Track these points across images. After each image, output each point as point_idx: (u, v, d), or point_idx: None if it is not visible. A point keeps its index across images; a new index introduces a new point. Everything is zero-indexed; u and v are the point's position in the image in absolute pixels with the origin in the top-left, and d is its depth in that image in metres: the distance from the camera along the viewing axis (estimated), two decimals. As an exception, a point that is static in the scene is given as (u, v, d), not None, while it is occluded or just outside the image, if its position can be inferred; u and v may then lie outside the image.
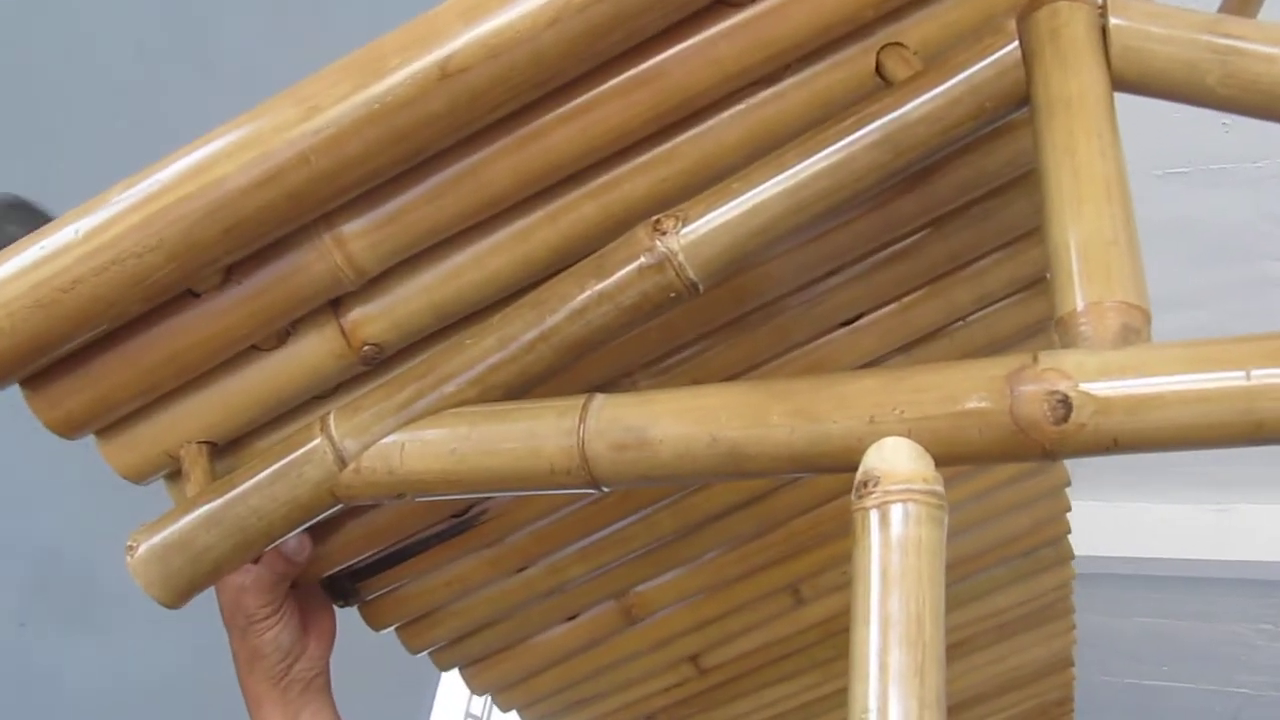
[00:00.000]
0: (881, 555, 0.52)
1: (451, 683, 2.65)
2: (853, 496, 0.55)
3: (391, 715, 2.43)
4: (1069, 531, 1.33)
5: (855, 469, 0.56)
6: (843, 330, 0.85)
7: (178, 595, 0.69)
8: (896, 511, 0.53)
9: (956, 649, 1.53)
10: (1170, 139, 2.40)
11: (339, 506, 0.69)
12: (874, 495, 0.54)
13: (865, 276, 0.84)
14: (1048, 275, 0.58)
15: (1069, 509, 1.28)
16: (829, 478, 1.08)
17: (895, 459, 0.54)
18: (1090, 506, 4.03)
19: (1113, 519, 4.16)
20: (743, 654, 1.28)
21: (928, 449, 0.55)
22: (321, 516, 0.69)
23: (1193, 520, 4.34)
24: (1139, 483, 4.08)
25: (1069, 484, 1.23)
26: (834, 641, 1.39)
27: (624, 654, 1.18)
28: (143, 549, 0.69)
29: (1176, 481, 4.16)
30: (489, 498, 0.91)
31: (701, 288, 0.65)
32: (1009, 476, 1.17)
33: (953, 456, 0.55)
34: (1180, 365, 0.52)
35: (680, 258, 0.64)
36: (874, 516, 0.53)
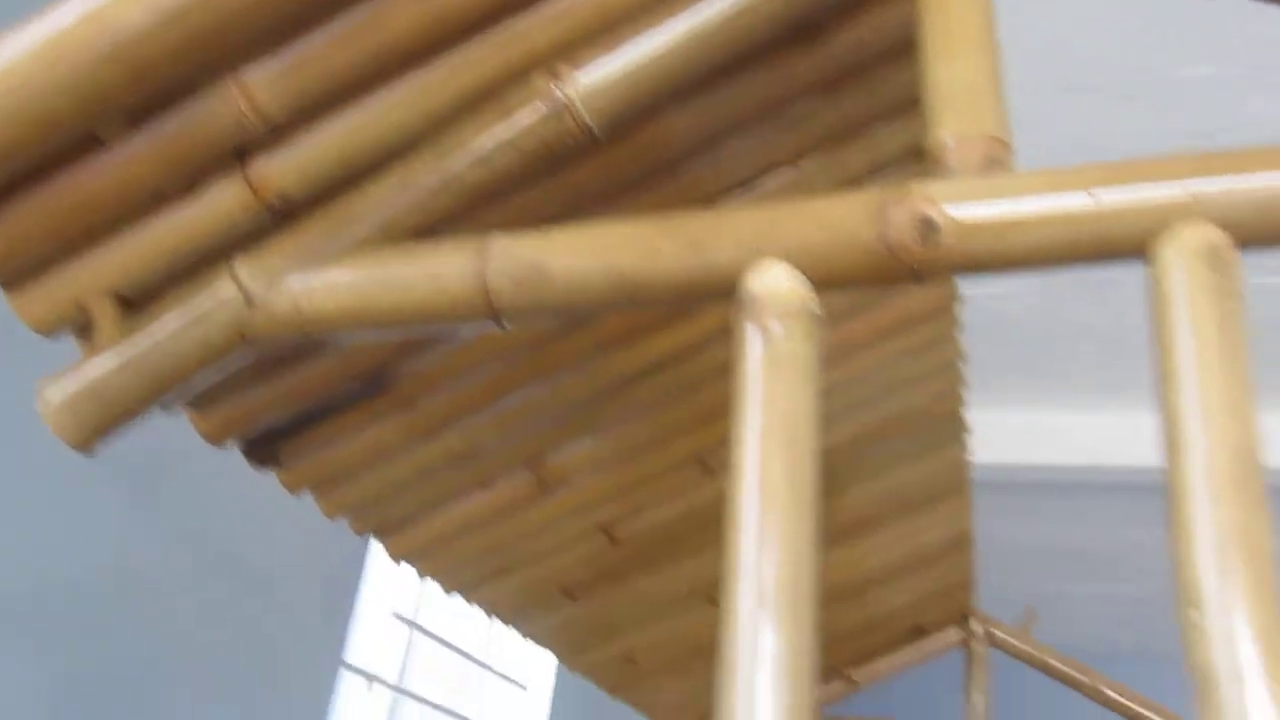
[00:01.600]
0: (759, 370, 0.56)
1: (374, 589, 2.69)
2: (735, 317, 0.58)
3: (315, 623, 2.46)
4: (964, 406, 1.40)
5: (737, 294, 0.60)
6: (740, 190, 0.89)
7: (87, 438, 0.71)
8: (775, 328, 0.57)
9: (861, 527, 1.61)
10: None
11: (247, 350, 0.71)
12: (754, 315, 0.57)
13: (761, 139, 0.87)
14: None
15: (964, 383, 1.34)
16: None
17: (774, 281, 0.58)
18: (992, 416, 4.17)
19: (1012, 428, 4.31)
20: (654, 525, 1.33)
21: (805, 274, 0.59)
22: (231, 361, 0.71)
23: (1089, 428, 4.52)
24: (1039, 390, 4.22)
25: (964, 358, 1.29)
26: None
27: (539, 522, 1.22)
28: (54, 396, 0.71)
29: (1073, 388, 4.31)
30: (403, 361, 0.94)
31: (600, 135, 0.68)
32: (907, 348, 1.22)
33: (829, 280, 0.59)
34: (1033, 189, 0.56)
35: (577, 105, 0.66)
36: (753, 334, 0.57)
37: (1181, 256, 0.53)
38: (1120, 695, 2.06)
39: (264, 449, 0.97)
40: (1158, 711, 2.04)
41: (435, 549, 1.20)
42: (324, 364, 0.90)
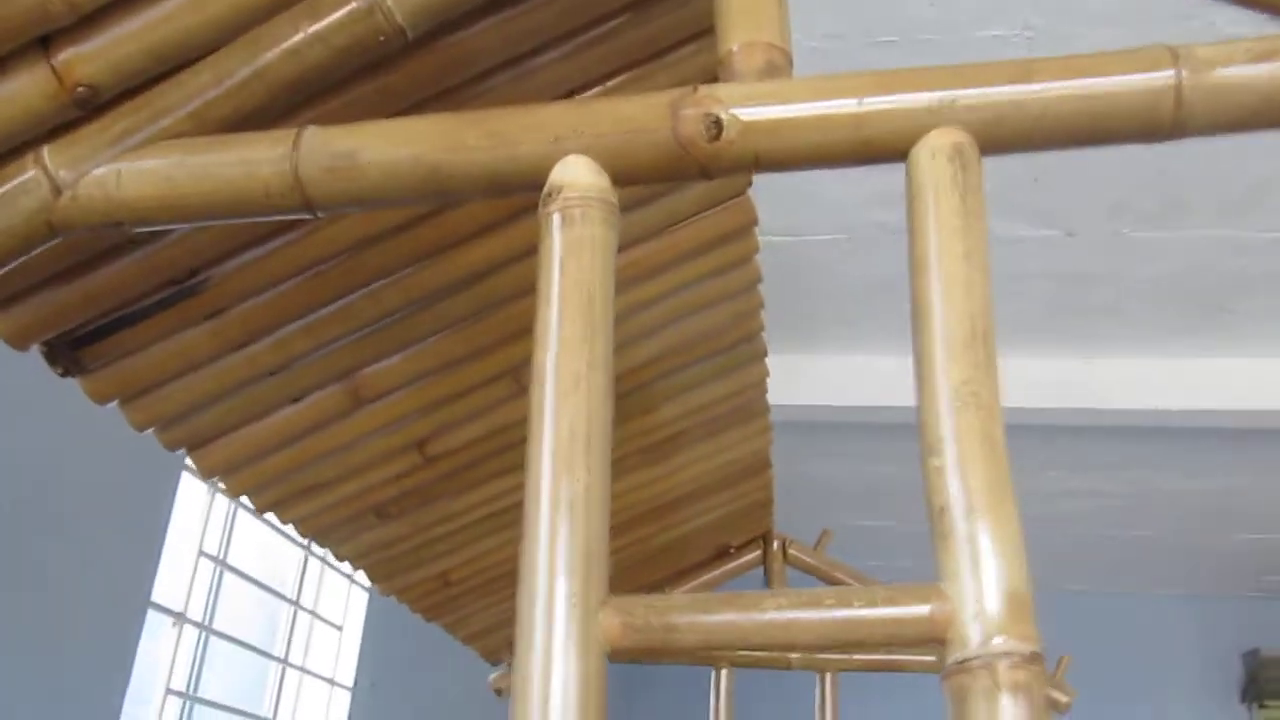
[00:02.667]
0: (561, 250, 0.61)
1: (181, 528, 2.63)
2: (540, 207, 0.63)
3: (119, 563, 2.40)
4: (762, 328, 1.48)
5: (542, 187, 0.64)
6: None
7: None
8: (575, 214, 0.61)
9: (667, 445, 1.68)
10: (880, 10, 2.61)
11: (55, 240, 0.71)
12: (556, 202, 0.62)
13: (570, 56, 0.91)
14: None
15: (761, 305, 1.42)
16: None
17: (576, 173, 0.63)
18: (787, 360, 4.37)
19: (811, 372, 4.51)
20: (467, 442, 1.37)
21: (605, 166, 0.63)
22: (36, 250, 0.71)
23: (882, 372, 4.77)
24: (832, 336, 4.43)
25: (760, 280, 1.37)
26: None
27: (351, 438, 1.24)
28: None
29: (868, 335, 4.54)
30: (212, 266, 0.94)
31: (410, 34, 0.70)
32: (708, 270, 1.29)
33: (627, 173, 0.64)
34: (808, 94, 0.62)
35: (389, 2, 0.69)
36: (556, 219, 0.62)
37: (932, 157, 0.60)
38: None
39: (67, 355, 0.96)
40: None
41: (246, 465, 1.21)
42: (130, 265, 0.89)
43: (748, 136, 0.62)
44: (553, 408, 0.56)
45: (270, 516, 2.92)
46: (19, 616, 2.10)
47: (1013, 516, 0.53)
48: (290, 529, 3.01)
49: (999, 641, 0.50)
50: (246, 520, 3.01)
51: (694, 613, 0.52)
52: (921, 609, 0.51)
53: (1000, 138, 0.62)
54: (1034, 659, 0.50)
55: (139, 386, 1.03)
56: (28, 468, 2.16)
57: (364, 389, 1.18)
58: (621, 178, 0.64)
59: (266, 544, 3.33)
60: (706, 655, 2.25)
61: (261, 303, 1.01)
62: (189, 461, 2.56)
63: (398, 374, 1.19)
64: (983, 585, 0.51)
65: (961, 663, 0.50)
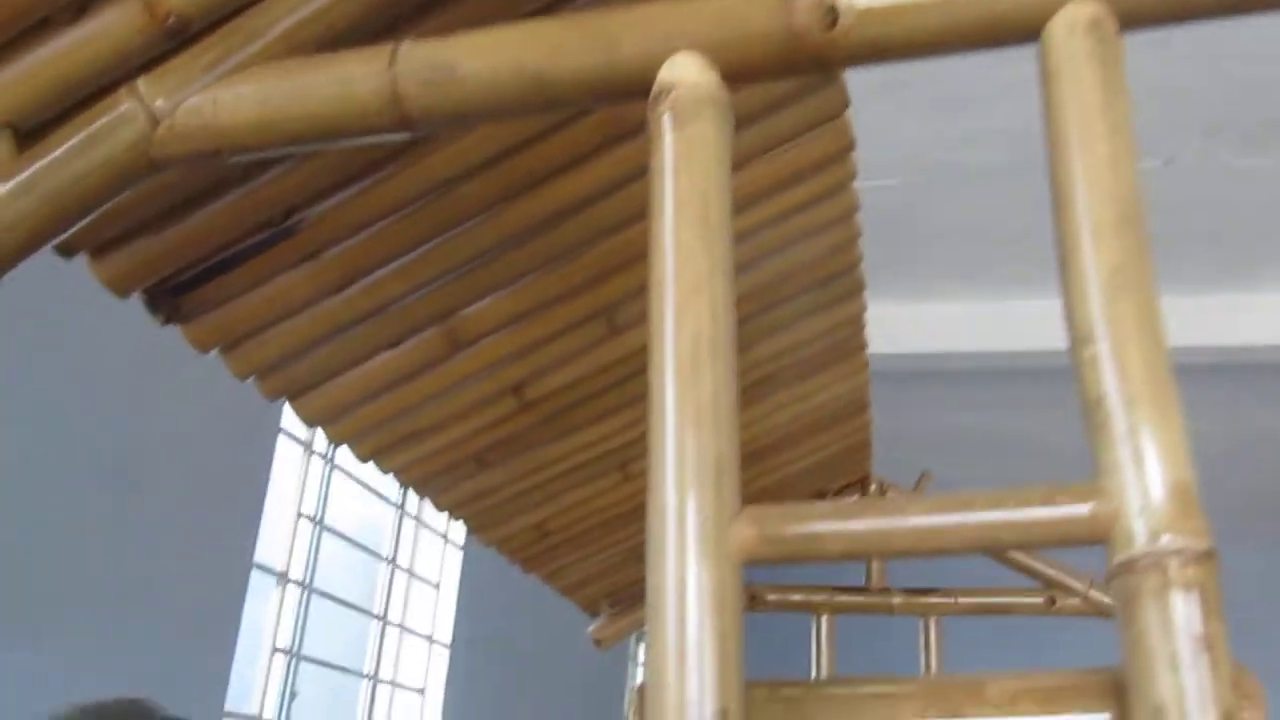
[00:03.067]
0: (674, 151, 0.58)
1: (281, 490, 2.67)
2: (649, 108, 0.60)
3: (224, 526, 2.45)
4: (860, 260, 1.44)
5: (649, 90, 0.61)
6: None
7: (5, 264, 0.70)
8: (687, 112, 0.58)
9: (761, 386, 1.65)
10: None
11: (154, 174, 0.70)
12: (666, 102, 0.59)
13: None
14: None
15: (859, 235, 1.38)
16: (639, 196, 1.14)
17: (685, 71, 0.59)
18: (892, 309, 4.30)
19: (901, 319, 4.43)
20: (563, 386, 1.35)
21: (715, 64, 0.60)
22: (136, 185, 0.70)
23: (980, 317, 4.68)
24: (923, 281, 4.34)
25: (857, 208, 1.33)
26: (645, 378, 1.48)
27: (449, 383, 1.23)
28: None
29: (959, 279, 4.45)
30: (309, 205, 0.93)
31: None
32: (807, 198, 1.25)
33: (738, 70, 0.60)
34: (930, -27, 0.58)
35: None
36: (666, 120, 0.58)
37: (1070, 31, 0.56)
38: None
39: (168, 302, 0.96)
40: (1047, 562, 2.16)
41: (346, 412, 1.21)
42: (226, 208, 0.89)
43: (865, 23, 0.58)
44: (674, 316, 0.53)
45: (364, 477, 2.95)
46: (129, 579, 2.15)
47: (1175, 406, 0.49)
48: (384, 488, 3.05)
49: (1167, 539, 0.46)
50: (341, 482, 3.05)
51: (836, 520, 0.49)
52: (1081, 508, 0.48)
53: (1139, 9, 0.57)
54: (1207, 555, 0.46)
55: (238, 334, 1.03)
56: (134, 435, 2.20)
57: (461, 331, 1.17)
58: (732, 75, 0.60)
59: (362, 507, 3.38)
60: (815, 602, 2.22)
61: (356, 244, 1.00)
62: (285, 426, 2.59)
63: (493, 316, 1.17)
64: (1147, 479, 0.47)
65: (1127, 563, 0.47)
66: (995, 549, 0.48)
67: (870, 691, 0.50)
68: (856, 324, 1.59)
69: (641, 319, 1.29)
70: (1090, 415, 0.50)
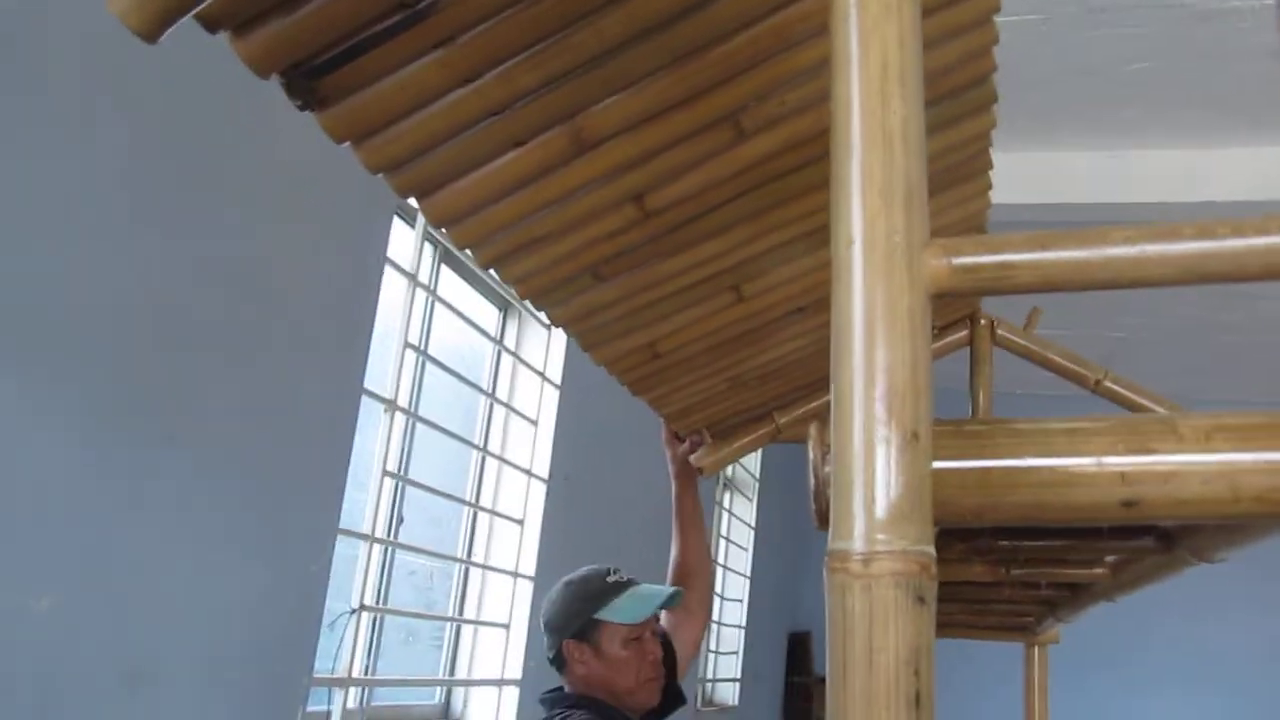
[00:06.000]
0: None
1: (387, 321, 2.71)
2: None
3: (335, 353, 2.50)
4: (995, 69, 1.38)
5: None
6: None
7: (149, 25, 0.69)
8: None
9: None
10: None
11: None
12: None
13: None
14: None
15: (996, 40, 1.32)
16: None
17: None
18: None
19: (1017, 169, 4.30)
20: (685, 196, 1.33)
21: None
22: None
23: (1088, 166, 4.51)
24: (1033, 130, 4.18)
25: (998, 9, 1.26)
26: (771, 189, 1.45)
27: (572, 187, 1.22)
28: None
29: (1069, 128, 4.27)
30: (441, -13, 0.91)
31: None
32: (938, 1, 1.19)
33: None
34: None
35: None
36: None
37: None
38: (1120, 386, 2.13)
39: (304, 86, 0.96)
40: (1158, 401, 2.12)
41: (470, 215, 1.21)
42: (364, -11, 0.87)
43: None
44: (860, 39, 0.51)
45: (466, 309, 2.99)
46: (253, 399, 2.22)
47: None
48: (485, 322, 3.09)
49: (1395, 266, 0.44)
50: (443, 316, 3.10)
51: (1030, 250, 0.48)
52: (1298, 236, 0.46)
53: None
54: None
55: (371, 125, 1.03)
56: (265, 256, 2.25)
57: (586, 131, 1.15)
58: None
59: (463, 347, 3.44)
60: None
61: (487, 30, 0.98)
62: (390, 255, 2.63)
63: (618, 116, 1.15)
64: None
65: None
66: (1203, 280, 0.46)
67: (1060, 428, 0.49)
68: (983, 140, 1.53)
69: (767, 124, 1.27)
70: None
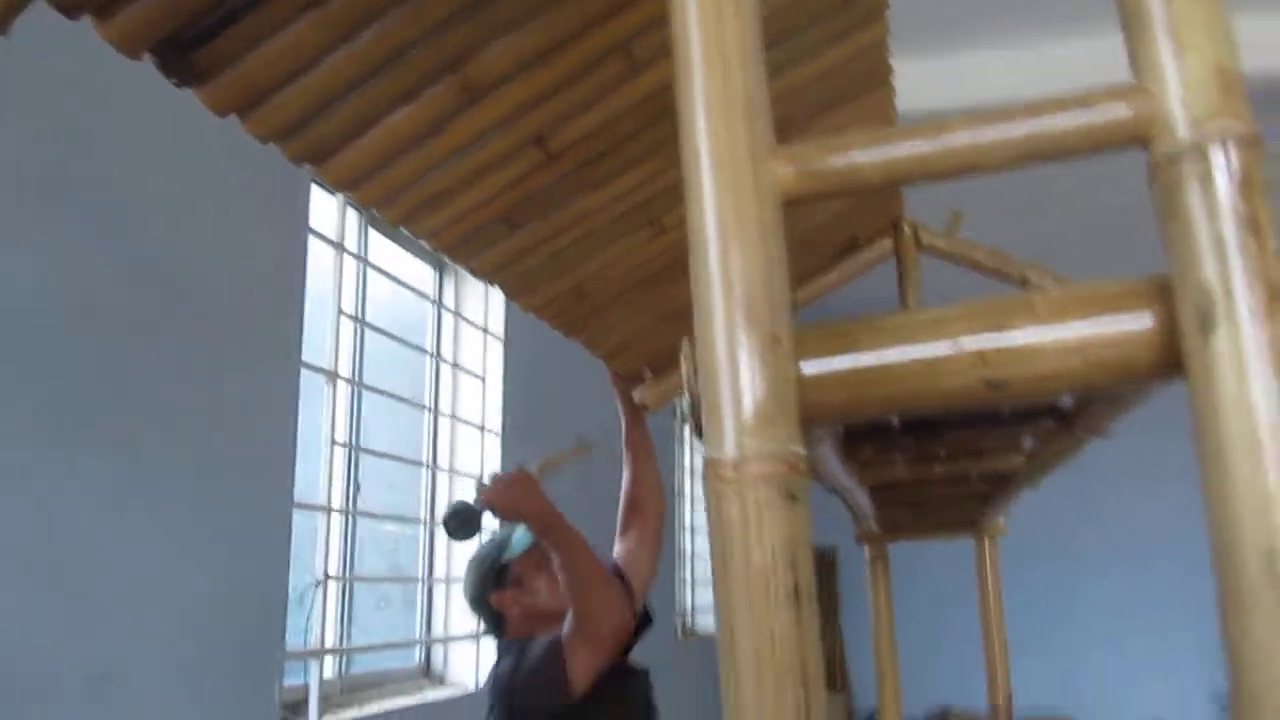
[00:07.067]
0: None
1: (319, 292, 2.69)
2: None
3: (270, 329, 2.48)
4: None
5: None
6: None
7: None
8: None
9: (781, 126, 1.62)
10: None
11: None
12: None
13: None
14: None
15: (878, -55, 1.32)
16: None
17: None
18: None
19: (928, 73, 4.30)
20: (586, 134, 1.33)
21: None
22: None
23: (1002, 64, 4.53)
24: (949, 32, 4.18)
25: (875, -85, 1.27)
26: (670, 120, 1.45)
27: (470, 137, 1.21)
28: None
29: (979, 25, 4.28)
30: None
31: None
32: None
33: None
34: None
35: None
36: None
37: None
38: (1049, 279, 2.17)
39: (179, 61, 0.94)
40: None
41: (371, 175, 1.20)
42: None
43: None
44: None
45: (399, 273, 2.97)
46: (187, 392, 2.21)
47: (1216, -5, 0.47)
48: (421, 285, 3.06)
49: (1211, 126, 0.46)
50: (378, 281, 3.08)
51: (876, 146, 0.49)
52: (1121, 108, 0.47)
53: None
54: (1252, 141, 0.46)
55: (254, 94, 1.02)
56: (187, 245, 2.22)
57: (474, 78, 1.14)
58: None
59: (401, 309, 3.42)
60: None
61: (359, -14, 0.97)
62: (314, 225, 2.59)
63: (507, 59, 1.14)
64: (1187, 68, 0.46)
65: (1170, 157, 0.46)
66: (1040, 159, 0.47)
67: (923, 318, 0.51)
68: (880, 49, 1.54)
69: (662, 51, 1.26)
70: (1129, 14, 0.48)
